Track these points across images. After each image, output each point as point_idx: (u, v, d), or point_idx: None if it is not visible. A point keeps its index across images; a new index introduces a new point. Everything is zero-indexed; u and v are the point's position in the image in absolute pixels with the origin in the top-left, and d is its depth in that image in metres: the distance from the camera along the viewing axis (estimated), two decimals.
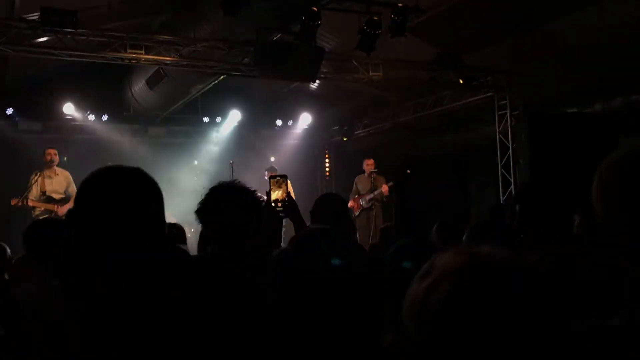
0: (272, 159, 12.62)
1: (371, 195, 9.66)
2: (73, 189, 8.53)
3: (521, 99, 9.40)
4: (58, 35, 7.27)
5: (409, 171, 10.20)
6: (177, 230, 4.35)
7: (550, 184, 2.50)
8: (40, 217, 8.12)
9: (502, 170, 9.62)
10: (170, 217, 8.59)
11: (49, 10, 6.90)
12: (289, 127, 13.04)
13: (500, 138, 9.67)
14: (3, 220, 8.18)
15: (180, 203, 10.65)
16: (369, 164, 9.98)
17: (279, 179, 3.26)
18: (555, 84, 8.91)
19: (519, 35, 8.42)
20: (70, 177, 8.62)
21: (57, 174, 8.53)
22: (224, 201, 2.40)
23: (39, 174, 8.36)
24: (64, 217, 8.24)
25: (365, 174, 10.00)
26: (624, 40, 7.67)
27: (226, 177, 9.74)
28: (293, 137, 13.24)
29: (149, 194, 1.46)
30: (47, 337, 1.27)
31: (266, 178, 10.12)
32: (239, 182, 2.51)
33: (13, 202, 8.03)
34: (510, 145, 9.50)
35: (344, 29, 8.59)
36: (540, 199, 2.39)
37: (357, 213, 9.72)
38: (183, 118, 12.00)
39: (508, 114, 9.53)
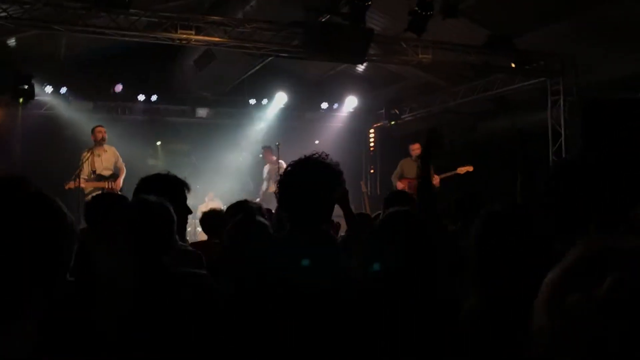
0: (317, 142, 12.60)
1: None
2: (121, 164, 8.74)
3: (575, 83, 9.09)
4: (111, 16, 7.38)
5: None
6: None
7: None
8: (92, 194, 8.38)
9: (554, 158, 9.36)
10: (215, 198, 8.67)
11: None
12: (335, 110, 12.97)
13: (552, 124, 9.39)
14: (59, 196, 8.41)
15: (225, 183, 10.84)
16: (415, 149, 9.83)
17: None
18: (613, 68, 8.58)
19: (574, 16, 8.11)
20: (117, 153, 8.81)
21: (106, 151, 8.72)
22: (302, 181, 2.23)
23: (89, 152, 8.56)
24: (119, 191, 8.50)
25: (412, 158, 9.86)
26: None
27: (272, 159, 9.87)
28: (338, 120, 13.18)
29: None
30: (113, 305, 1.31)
31: (260, 156, 10.33)
32: (319, 156, 2.29)
33: (66, 186, 8.23)
34: (562, 132, 9.22)
35: (393, 10, 8.47)
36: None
37: None
38: (230, 100, 12.08)
39: (561, 100, 9.24)
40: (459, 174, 9.40)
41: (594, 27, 8.17)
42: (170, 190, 2.70)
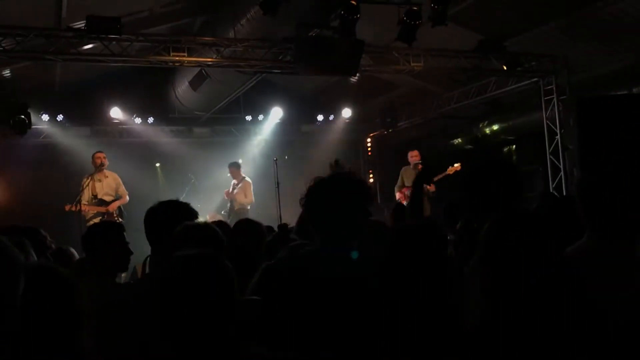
0: (313, 155, 12.64)
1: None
2: (123, 190, 8.81)
3: (569, 82, 9.14)
4: (104, 42, 7.44)
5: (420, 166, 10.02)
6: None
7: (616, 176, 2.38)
8: (94, 220, 8.41)
9: (551, 157, 9.39)
10: (217, 217, 8.65)
11: (95, 18, 7.07)
12: (330, 122, 13.03)
13: (547, 124, 9.44)
14: (60, 223, 8.47)
15: (226, 201, 10.87)
16: (413, 156, 9.88)
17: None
18: (604, 66, 8.64)
19: (563, 16, 8.17)
20: (119, 179, 8.88)
21: (107, 177, 8.77)
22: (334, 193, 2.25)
23: (90, 177, 8.61)
24: (115, 215, 8.54)
25: (411, 166, 9.91)
26: None
27: (270, 174, 9.89)
28: (335, 131, 13.21)
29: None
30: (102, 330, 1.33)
31: (228, 175, 10.42)
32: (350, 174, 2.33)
33: (67, 207, 8.31)
34: (558, 131, 9.26)
35: (383, 20, 8.52)
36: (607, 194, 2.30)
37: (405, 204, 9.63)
38: (226, 117, 12.15)
39: (555, 99, 9.29)
40: (449, 175, 9.45)
41: (584, 26, 8.23)
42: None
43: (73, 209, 8.24)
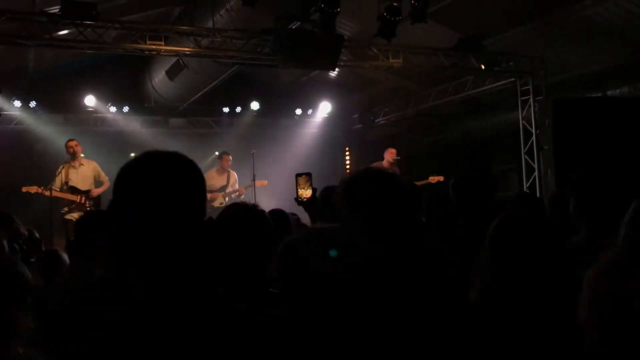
0: (291, 148, 12.62)
1: None
2: (104, 176, 8.68)
3: (544, 83, 9.24)
4: (78, 28, 7.30)
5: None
6: None
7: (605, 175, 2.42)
8: (64, 208, 8.30)
9: (526, 157, 9.49)
10: None
11: (69, 3, 6.94)
12: (309, 116, 12.99)
13: (523, 124, 9.53)
14: (30, 209, 8.36)
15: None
16: (391, 153, 9.86)
17: (306, 177, 3.32)
18: (580, 68, 8.74)
19: (541, 18, 8.26)
20: (97, 166, 8.74)
21: (83, 165, 8.62)
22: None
23: (65, 165, 8.47)
24: (87, 205, 8.42)
25: (384, 162, 9.90)
26: None
27: (248, 168, 9.83)
28: (313, 126, 13.20)
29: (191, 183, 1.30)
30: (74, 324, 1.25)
31: (216, 165, 9.80)
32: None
33: (32, 189, 8.20)
34: (533, 131, 9.36)
35: (363, 15, 8.51)
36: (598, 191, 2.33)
37: None
38: (203, 108, 12.04)
39: (531, 99, 9.38)
40: (431, 183, 9.54)
41: (561, 28, 8.32)
42: None
43: (46, 193, 8.11)
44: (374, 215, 2.17)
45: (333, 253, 1.91)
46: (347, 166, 13.79)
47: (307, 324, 1.59)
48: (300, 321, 1.53)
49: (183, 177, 1.28)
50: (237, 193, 9.70)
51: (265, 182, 9.81)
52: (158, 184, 1.24)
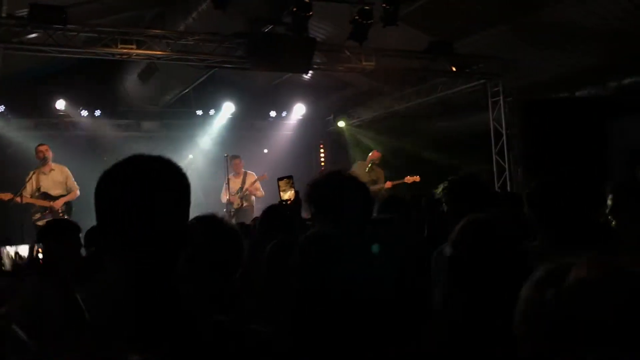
0: (265, 150, 12.63)
1: (374, 187, 9.65)
2: (72, 184, 8.53)
3: (514, 85, 9.40)
4: (48, 32, 7.22)
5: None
6: None
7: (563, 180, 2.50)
8: (36, 214, 8.17)
9: (497, 157, 9.64)
10: None
11: (38, 7, 6.86)
12: (283, 118, 13.02)
13: (494, 125, 9.68)
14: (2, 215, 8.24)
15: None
16: (375, 155, 9.99)
17: (287, 180, 3.37)
18: (549, 69, 8.91)
19: (511, 21, 8.40)
20: (68, 172, 8.61)
21: (53, 169, 8.51)
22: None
23: (35, 171, 8.34)
24: (60, 212, 8.29)
25: (367, 162, 10.01)
26: (617, 24, 7.67)
27: (222, 171, 9.81)
28: (287, 128, 13.22)
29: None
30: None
31: (230, 170, 9.92)
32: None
33: (3, 196, 8.02)
34: (504, 132, 9.51)
35: (336, 19, 8.57)
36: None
37: None
38: (176, 112, 11.98)
39: (501, 101, 9.54)
40: (406, 183, 9.68)
41: (529, 31, 8.47)
42: None
43: (17, 199, 7.97)
44: (333, 217, 2.25)
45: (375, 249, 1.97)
46: (322, 167, 13.83)
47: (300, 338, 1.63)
48: (282, 335, 1.56)
49: (169, 181, 1.25)
50: (248, 191, 9.83)
51: (265, 176, 9.89)
52: (143, 189, 1.21)
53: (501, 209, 3.59)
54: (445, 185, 3.07)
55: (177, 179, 1.27)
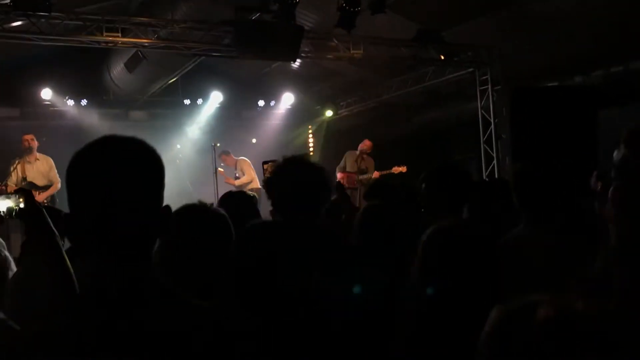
0: (254, 140, 12.57)
1: (363, 177, 9.64)
2: (54, 176, 8.45)
3: (502, 73, 9.40)
4: (31, 20, 7.12)
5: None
6: None
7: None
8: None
9: (485, 146, 9.66)
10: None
11: None
12: (272, 108, 12.96)
13: (482, 113, 9.69)
14: None
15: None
16: (364, 145, 9.92)
17: (272, 163, 3.40)
18: (537, 58, 8.92)
19: (499, 9, 8.39)
20: (52, 163, 8.54)
21: (38, 159, 8.44)
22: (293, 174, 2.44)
23: (18, 160, 8.27)
24: (44, 204, 8.21)
25: (357, 152, 9.95)
26: (605, 13, 7.68)
27: (209, 160, 9.76)
28: (276, 117, 13.17)
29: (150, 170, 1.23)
30: None
31: (221, 165, 10.01)
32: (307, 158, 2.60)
33: None
34: (492, 120, 9.52)
35: (323, 7, 8.52)
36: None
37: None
38: (164, 101, 11.88)
39: (490, 89, 9.54)
40: (393, 173, 9.65)
41: (517, 19, 8.46)
42: None
43: (2, 188, 7.90)
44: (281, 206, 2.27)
45: None
46: (311, 157, 13.80)
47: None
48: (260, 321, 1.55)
49: (143, 162, 1.21)
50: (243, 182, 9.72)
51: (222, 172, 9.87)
52: (116, 169, 1.17)
53: (481, 200, 3.59)
54: (424, 175, 3.04)
55: (151, 160, 1.23)
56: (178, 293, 1.19)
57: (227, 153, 10.09)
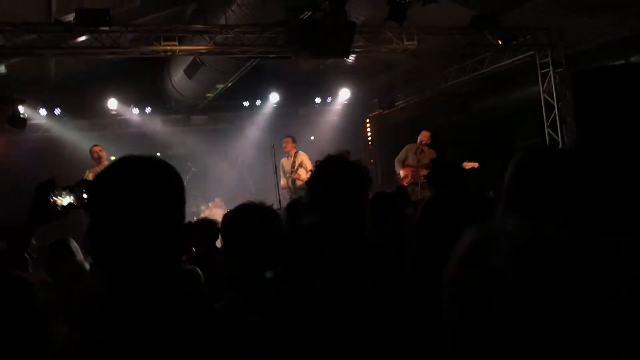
0: (312, 137, 12.64)
1: (423, 172, 9.42)
2: None
3: (564, 55, 9.06)
4: (94, 35, 7.43)
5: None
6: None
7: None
8: None
9: (549, 130, 9.35)
10: (222, 204, 8.58)
11: (83, 11, 7.06)
12: (328, 104, 13.00)
13: (544, 97, 9.38)
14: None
15: (224, 187, 10.90)
16: (423, 137, 9.64)
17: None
18: (600, 37, 8.55)
19: None
20: None
21: None
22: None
23: (90, 170, 8.64)
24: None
25: (417, 144, 9.68)
26: None
27: (269, 160, 9.87)
28: (333, 113, 13.20)
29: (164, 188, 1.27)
30: None
31: (282, 147, 9.69)
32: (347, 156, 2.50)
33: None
34: (555, 104, 9.21)
35: (373, 0, 8.46)
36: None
37: (406, 184, 9.40)
38: (223, 104, 12.14)
39: (551, 72, 9.22)
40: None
41: None
42: None
43: None
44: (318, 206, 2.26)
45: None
46: (370, 150, 13.77)
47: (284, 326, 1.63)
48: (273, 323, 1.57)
49: (160, 180, 1.26)
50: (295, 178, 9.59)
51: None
52: (134, 189, 1.22)
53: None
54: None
55: (168, 178, 1.28)
56: (194, 304, 1.27)
57: (293, 140, 9.87)
